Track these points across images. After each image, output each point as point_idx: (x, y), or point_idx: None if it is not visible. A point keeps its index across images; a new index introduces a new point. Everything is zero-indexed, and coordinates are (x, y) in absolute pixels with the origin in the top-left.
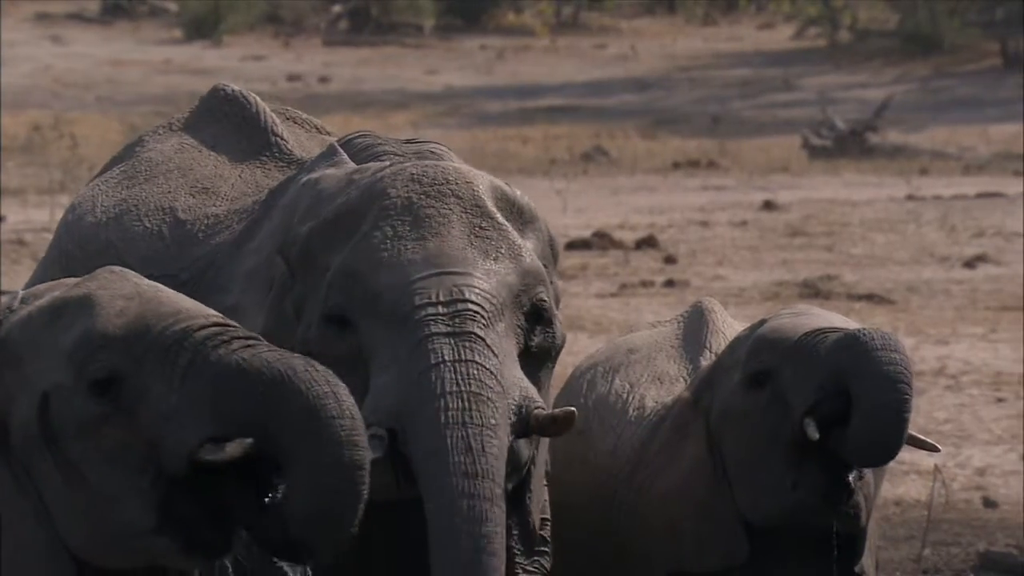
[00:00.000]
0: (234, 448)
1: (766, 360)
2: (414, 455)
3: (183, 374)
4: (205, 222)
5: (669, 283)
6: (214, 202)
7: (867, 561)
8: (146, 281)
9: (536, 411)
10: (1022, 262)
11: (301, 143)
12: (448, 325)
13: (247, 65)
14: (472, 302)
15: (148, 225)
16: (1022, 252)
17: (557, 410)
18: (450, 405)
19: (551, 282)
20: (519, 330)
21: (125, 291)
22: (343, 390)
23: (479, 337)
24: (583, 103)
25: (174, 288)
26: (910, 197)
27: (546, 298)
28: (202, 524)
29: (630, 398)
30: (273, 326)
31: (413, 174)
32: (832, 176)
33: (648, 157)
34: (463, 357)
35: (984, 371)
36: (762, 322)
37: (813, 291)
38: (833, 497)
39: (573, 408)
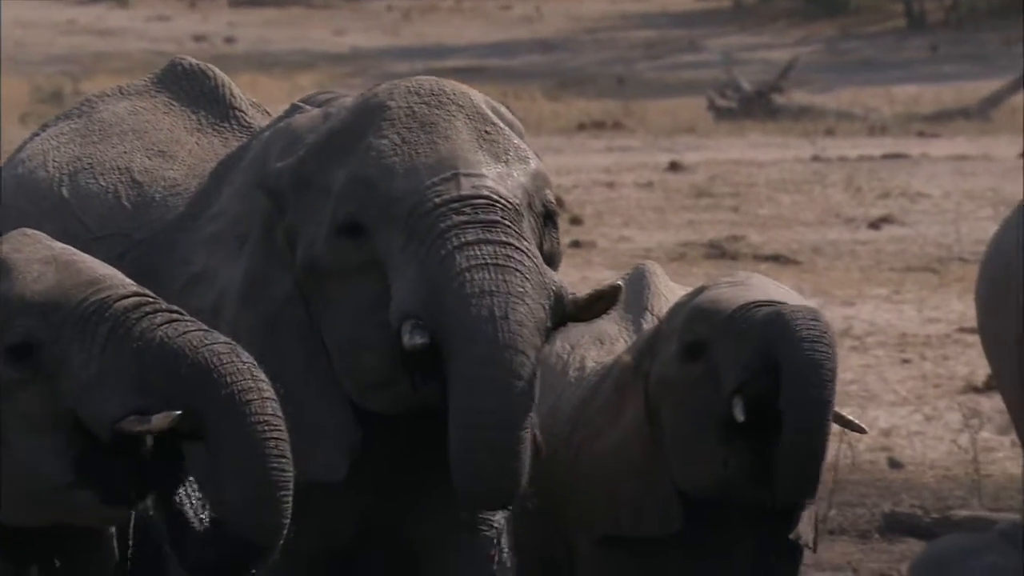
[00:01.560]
0: (161, 421)
1: (700, 332)
2: (441, 333)
3: (104, 344)
4: (162, 184)
5: (575, 244)
6: (171, 166)
7: (805, 527)
8: (59, 245)
9: (572, 296)
10: (927, 223)
11: (259, 118)
12: (471, 216)
13: (152, 26)
14: (494, 197)
15: (104, 184)
16: (927, 213)
17: (602, 286)
18: (474, 277)
19: None
20: (535, 233)
21: (40, 255)
22: (265, 383)
23: (506, 225)
24: (488, 64)
25: (129, 248)
26: (815, 158)
27: (554, 200)
28: (119, 475)
29: (570, 359)
30: (260, 264)
31: (409, 87)
32: (737, 137)
33: (553, 118)
34: (488, 238)
35: (889, 332)
36: (701, 289)
37: (719, 252)
38: (761, 478)
39: (619, 282)
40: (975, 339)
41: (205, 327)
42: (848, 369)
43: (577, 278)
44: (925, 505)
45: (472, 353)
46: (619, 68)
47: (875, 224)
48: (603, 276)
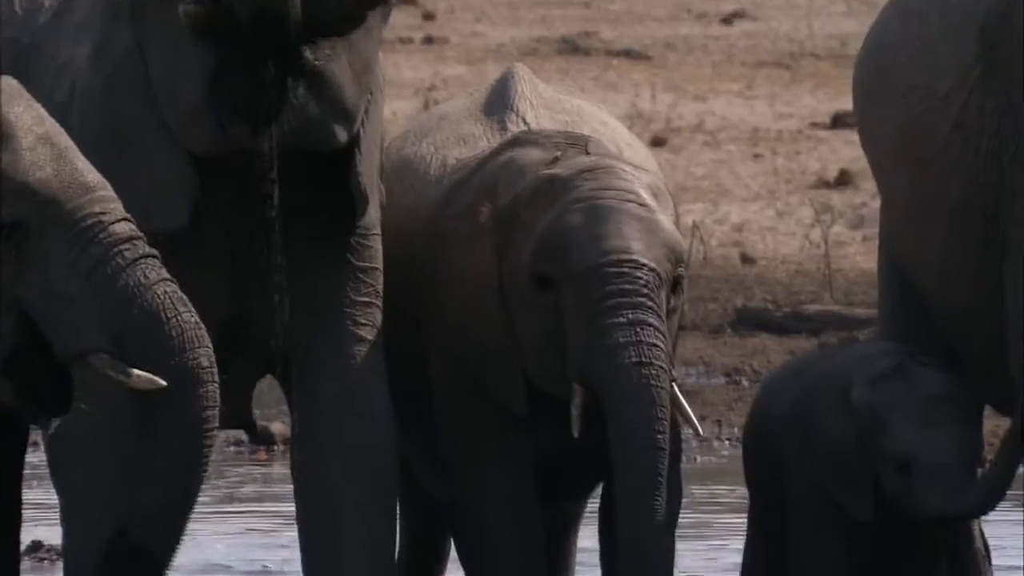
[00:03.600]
0: (140, 382)
1: (549, 271)
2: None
3: (92, 268)
4: None
5: (428, 40)
6: None
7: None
8: (41, 112)
9: None
10: (779, 18)
11: None
12: None
13: None
14: None
15: None
16: (779, 8)
17: None
18: None
19: None
20: None
21: (31, 123)
22: (217, 399)
23: None
24: None
25: (15, 53)
26: None
27: None
28: (41, 378)
29: (433, 159)
30: (105, 27)
31: None
32: None
33: None
34: None
35: (741, 127)
36: (570, 185)
37: (571, 47)
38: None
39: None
40: (827, 134)
41: (193, 312)
42: (700, 164)
43: (430, 73)
44: (777, 300)
45: None
46: None
47: (727, 19)
48: (456, 72)
